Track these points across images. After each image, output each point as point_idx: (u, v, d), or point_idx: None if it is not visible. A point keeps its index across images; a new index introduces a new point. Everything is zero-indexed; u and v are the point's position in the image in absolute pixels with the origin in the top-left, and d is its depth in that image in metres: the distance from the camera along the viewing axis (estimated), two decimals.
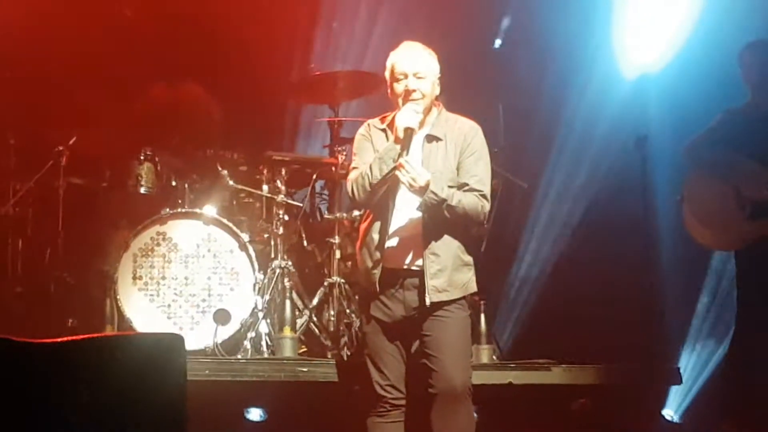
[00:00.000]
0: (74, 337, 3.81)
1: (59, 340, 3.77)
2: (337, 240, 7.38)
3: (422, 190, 5.28)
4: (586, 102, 8.75)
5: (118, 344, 3.88)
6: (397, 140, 5.38)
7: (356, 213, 7.19)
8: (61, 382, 3.66)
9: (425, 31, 6.30)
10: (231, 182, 7.47)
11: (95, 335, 4.21)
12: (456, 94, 6.06)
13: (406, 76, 5.48)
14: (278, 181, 7.43)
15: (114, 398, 3.73)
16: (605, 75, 8.82)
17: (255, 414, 6.61)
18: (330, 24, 9.20)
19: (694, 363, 8.32)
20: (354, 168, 5.64)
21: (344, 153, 7.46)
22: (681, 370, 7.51)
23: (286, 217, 7.42)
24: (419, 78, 5.48)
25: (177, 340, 4.00)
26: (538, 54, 9.04)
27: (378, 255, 5.45)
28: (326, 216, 7.63)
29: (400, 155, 5.30)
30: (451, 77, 5.72)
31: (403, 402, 5.56)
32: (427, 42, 5.67)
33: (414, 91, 5.46)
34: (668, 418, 7.91)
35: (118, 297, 6.94)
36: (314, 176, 7.75)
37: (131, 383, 3.77)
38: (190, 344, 6.54)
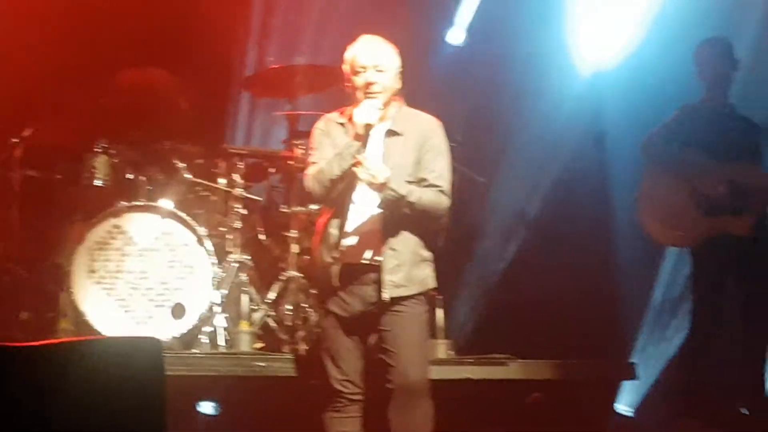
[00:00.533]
0: (48, 342, 3.76)
1: (32, 344, 3.72)
2: (294, 234, 7.36)
3: (382, 187, 5.28)
4: (542, 98, 8.78)
5: (92, 348, 3.83)
6: (356, 136, 5.36)
7: (313, 207, 7.16)
8: (33, 388, 3.62)
9: (384, 25, 6.28)
10: (188, 175, 7.41)
11: (70, 339, 4.18)
12: (414, 88, 6.05)
13: (366, 69, 5.46)
14: (235, 175, 7.40)
15: (89, 405, 3.69)
16: (561, 72, 8.85)
17: (208, 407, 6.59)
18: (286, 16, 9.16)
19: (649, 358, 8.38)
20: (312, 163, 5.60)
21: (302, 147, 7.43)
22: (635, 365, 7.57)
23: (244, 211, 7.38)
24: (379, 71, 5.46)
25: (154, 344, 3.97)
26: (495, 50, 9.05)
27: (336, 250, 5.44)
28: (283, 210, 7.59)
29: (359, 151, 5.29)
30: (409, 71, 5.72)
31: (360, 397, 5.55)
32: (385, 35, 5.66)
33: (374, 83, 5.44)
34: (622, 412, 7.96)
35: (72, 290, 6.87)
36: (272, 170, 7.72)
37: (107, 389, 3.72)
38: None
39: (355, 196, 5.44)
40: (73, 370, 3.69)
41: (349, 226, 5.44)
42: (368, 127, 5.33)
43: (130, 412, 3.78)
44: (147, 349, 3.93)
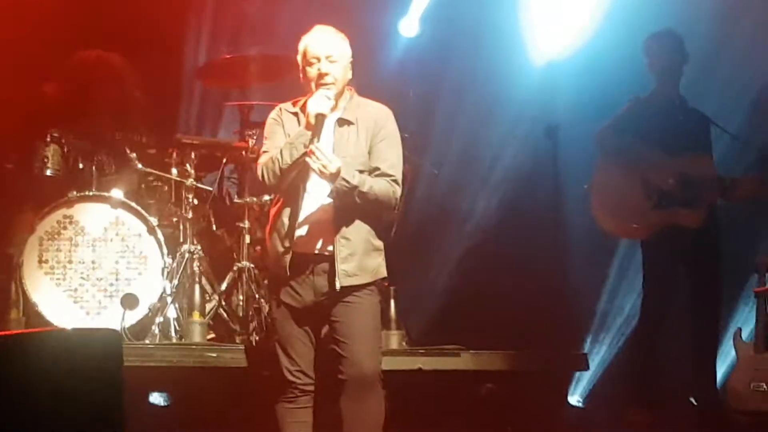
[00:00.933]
0: (5, 333, 3.73)
1: None
2: (246, 224, 7.33)
3: (333, 177, 5.26)
4: (495, 89, 8.80)
5: (50, 340, 3.80)
6: (308, 126, 5.35)
7: (266, 197, 7.15)
8: None
9: (337, 15, 6.26)
10: (139, 165, 7.34)
11: (28, 330, 4.14)
12: (367, 78, 6.05)
13: (318, 60, 5.46)
14: (187, 165, 7.34)
15: (48, 396, 3.66)
16: (514, 62, 8.87)
17: (158, 398, 6.57)
18: (239, 5, 9.12)
19: (599, 349, 8.43)
20: (265, 152, 5.59)
21: (254, 137, 7.41)
22: (587, 356, 7.62)
23: (196, 201, 7.33)
24: (332, 61, 5.45)
25: (113, 335, 3.94)
26: (447, 40, 9.06)
27: (288, 240, 5.43)
28: (236, 200, 7.56)
29: (311, 141, 5.28)
30: (362, 62, 5.72)
31: (312, 388, 5.55)
32: (338, 25, 5.65)
33: (326, 74, 5.43)
34: (573, 403, 8.01)
35: (23, 281, 6.82)
36: (224, 160, 7.69)
37: (66, 380, 3.69)
38: None
39: (308, 185, 5.44)
40: (32, 361, 3.66)
41: (301, 216, 5.43)
42: (320, 116, 5.32)
43: (89, 403, 3.76)
44: (106, 341, 3.91)
